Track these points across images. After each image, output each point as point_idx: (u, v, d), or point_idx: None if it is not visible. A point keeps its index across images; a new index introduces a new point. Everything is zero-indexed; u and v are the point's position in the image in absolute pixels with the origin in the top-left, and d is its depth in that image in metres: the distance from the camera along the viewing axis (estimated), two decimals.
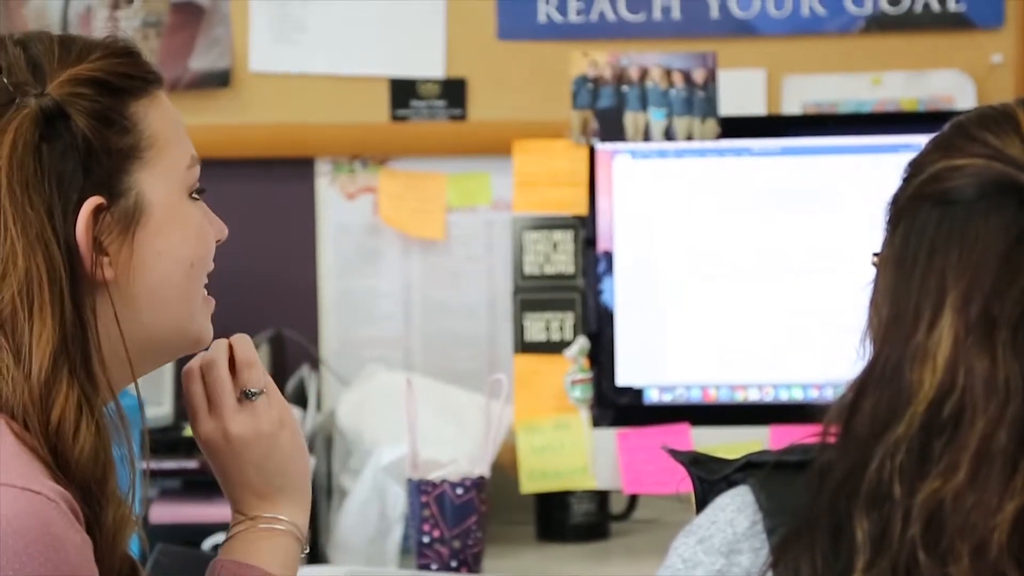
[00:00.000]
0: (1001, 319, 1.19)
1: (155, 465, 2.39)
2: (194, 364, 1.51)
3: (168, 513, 2.42)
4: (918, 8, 2.65)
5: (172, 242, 1.40)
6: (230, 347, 1.50)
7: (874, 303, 1.26)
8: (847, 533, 1.20)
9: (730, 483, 1.31)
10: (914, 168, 1.27)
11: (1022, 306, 1.18)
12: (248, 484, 1.50)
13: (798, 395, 2.38)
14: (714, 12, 2.66)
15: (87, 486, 1.30)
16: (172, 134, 1.42)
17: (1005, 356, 1.18)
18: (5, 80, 1.35)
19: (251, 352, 1.51)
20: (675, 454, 1.36)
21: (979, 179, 1.22)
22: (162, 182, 1.40)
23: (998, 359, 1.18)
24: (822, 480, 1.23)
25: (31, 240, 1.33)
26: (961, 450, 1.18)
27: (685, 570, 1.29)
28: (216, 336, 1.48)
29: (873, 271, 1.28)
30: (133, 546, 1.45)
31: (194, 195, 1.43)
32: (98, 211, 1.35)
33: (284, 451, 1.50)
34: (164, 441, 2.43)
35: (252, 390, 1.49)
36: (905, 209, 1.26)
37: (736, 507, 1.28)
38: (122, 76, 1.39)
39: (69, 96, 1.36)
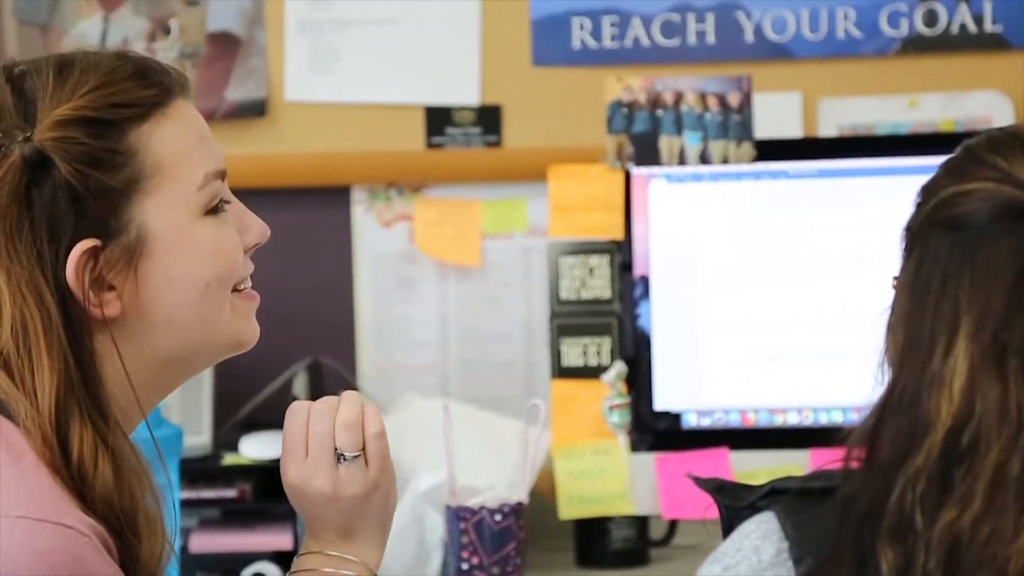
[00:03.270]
0: (1011, 346, 1.18)
1: (194, 495, 2.43)
2: (303, 406, 1.50)
3: (208, 543, 2.44)
4: (954, 29, 2.64)
5: (184, 267, 1.38)
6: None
7: (891, 328, 1.26)
8: (872, 565, 1.20)
9: (756, 510, 1.31)
10: (926, 193, 1.27)
11: None
12: (327, 524, 1.50)
13: (838, 418, 2.38)
14: (749, 36, 2.66)
15: (115, 519, 1.32)
16: (181, 155, 1.39)
17: (1016, 384, 1.18)
18: None
19: (352, 413, 1.49)
20: (699, 482, 1.36)
21: (989, 203, 1.22)
22: (167, 208, 1.38)
23: (1009, 387, 1.18)
24: (846, 510, 1.23)
25: (20, 286, 1.33)
26: (976, 479, 1.17)
27: None
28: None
29: (892, 296, 1.29)
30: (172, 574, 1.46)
31: (222, 205, 1.41)
32: (95, 252, 1.35)
33: (370, 507, 1.50)
34: (203, 470, 2.45)
35: (346, 454, 1.48)
36: (918, 235, 1.26)
37: (761, 534, 1.28)
38: (117, 107, 1.36)
39: (54, 141, 1.34)
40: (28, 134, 1.34)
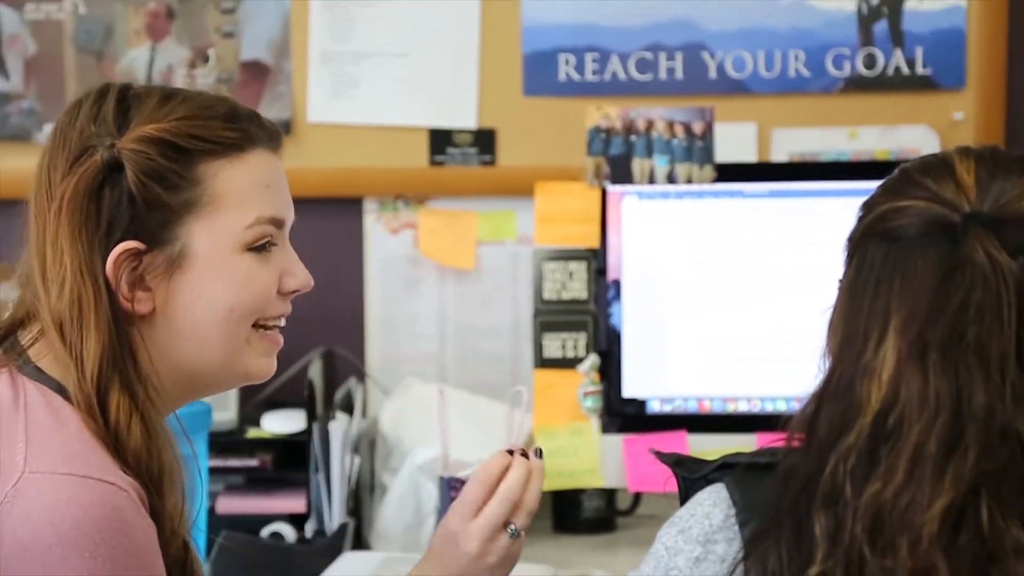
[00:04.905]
0: (932, 343, 1.18)
1: (221, 463, 2.43)
2: (491, 477, 1.48)
3: (232, 505, 2.43)
4: (890, 72, 2.65)
5: (212, 288, 1.37)
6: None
7: (831, 325, 1.26)
8: (807, 529, 1.20)
9: (708, 481, 1.31)
10: (866, 209, 1.28)
11: (949, 331, 1.18)
12: (447, 566, 1.48)
13: (782, 407, 2.38)
14: (712, 73, 2.66)
15: (144, 477, 1.32)
16: (240, 195, 1.37)
17: (935, 375, 1.18)
18: (94, 127, 1.36)
19: (534, 498, 1.49)
20: (660, 456, 1.36)
21: (920, 219, 1.22)
22: (212, 236, 1.36)
23: (929, 377, 1.18)
24: (786, 482, 1.23)
25: (79, 267, 1.34)
26: (899, 456, 1.17)
27: (668, 557, 1.29)
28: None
29: (834, 296, 1.29)
30: (199, 535, 1.46)
31: (268, 246, 1.38)
32: (136, 253, 1.35)
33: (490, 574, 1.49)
34: (229, 442, 2.45)
35: (516, 529, 1.48)
36: (858, 244, 1.26)
37: (712, 502, 1.28)
38: (195, 138, 1.36)
39: (131, 152, 1.35)
40: (114, 141, 1.35)
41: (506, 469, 1.50)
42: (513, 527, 1.48)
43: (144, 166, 1.34)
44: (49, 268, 1.35)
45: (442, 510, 2.29)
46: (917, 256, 1.21)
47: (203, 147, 1.36)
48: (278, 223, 1.40)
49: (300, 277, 1.42)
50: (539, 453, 1.51)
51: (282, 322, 1.43)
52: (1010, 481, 1.16)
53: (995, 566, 1.15)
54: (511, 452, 1.52)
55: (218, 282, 1.37)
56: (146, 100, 1.37)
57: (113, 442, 1.31)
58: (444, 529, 1.49)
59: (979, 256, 1.19)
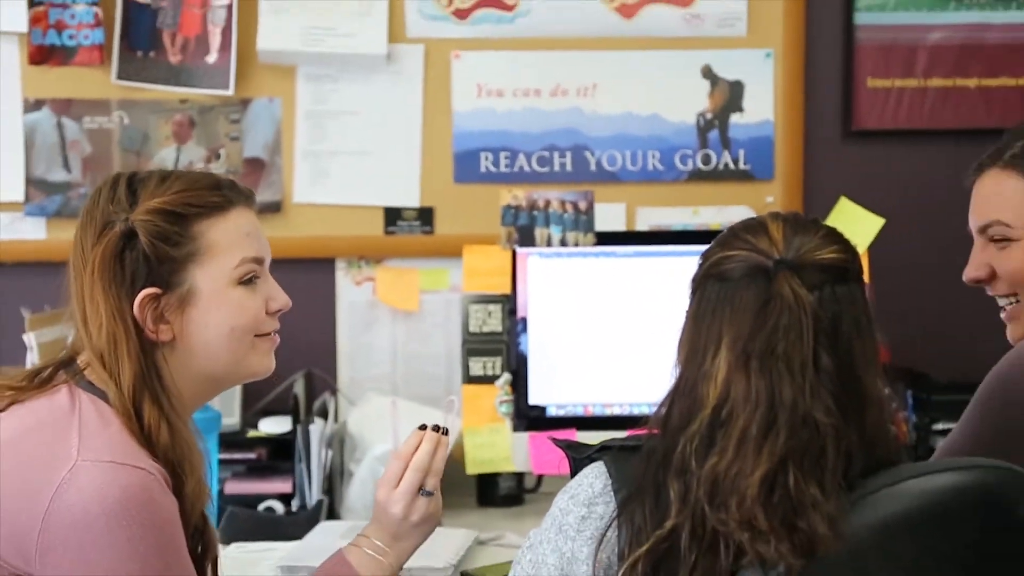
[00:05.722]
0: (753, 354, 1.21)
1: (228, 456, 2.38)
2: (408, 452, 1.47)
3: (237, 487, 2.39)
4: (721, 167, 2.69)
5: (215, 317, 1.36)
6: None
7: (680, 343, 1.28)
8: (664, 493, 1.22)
9: (592, 460, 1.32)
10: (704, 257, 1.30)
11: (765, 346, 1.21)
12: (386, 529, 1.47)
13: (645, 409, 2.38)
14: (592, 167, 2.68)
15: (170, 464, 1.30)
16: (228, 243, 1.37)
17: (755, 378, 1.20)
18: (111, 207, 1.35)
19: (441, 464, 1.48)
20: (556, 442, 1.37)
21: (743, 264, 1.25)
22: (210, 277, 1.36)
23: (751, 380, 1.20)
24: (648, 459, 1.25)
25: (112, 312, 1.33)
26: (729, 439, 1.19)
27: (561, 516, 1.30)
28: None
29: (682, 322, 1.30)
30: (212, 509, 1.44)
31: (253, 279, 1.38)
32: (155, 297, 1.34)
33: (419, 533, 1.47)
34: (234, 440, 2.41)
35: (428, 490, 1.47)
36: (698, 283, 1.28)
37: (594, 475, 1.29)
38: (189, 205, 1.35)
39: (142, 222, 1.34)
40: (128, 215, 1.34)
41: (418, 445, 1.48)
42: (425, 489, 1.46)
43: (153, 231, 1.34)
44: (88, 315, 1.34)
45: None
46: (741, 292, 1.24)
47: (196, 211, 1.35)
48: (259, 261, 1.40)
49: (280, 300, 1.43)
50: (445, 431, 1.49)
51: (274, 331, 1.42)
52: (810, 455, 1.18)
53: (799, 517, 1.16)
54: (423, 428, 1.50)
55: (219, 311, 1.36)
56: (148, 181, 1.37)
57: (147, 441, 1.30)
58: (375, 500, 1.48)
59: (786, 291, 1.21)
